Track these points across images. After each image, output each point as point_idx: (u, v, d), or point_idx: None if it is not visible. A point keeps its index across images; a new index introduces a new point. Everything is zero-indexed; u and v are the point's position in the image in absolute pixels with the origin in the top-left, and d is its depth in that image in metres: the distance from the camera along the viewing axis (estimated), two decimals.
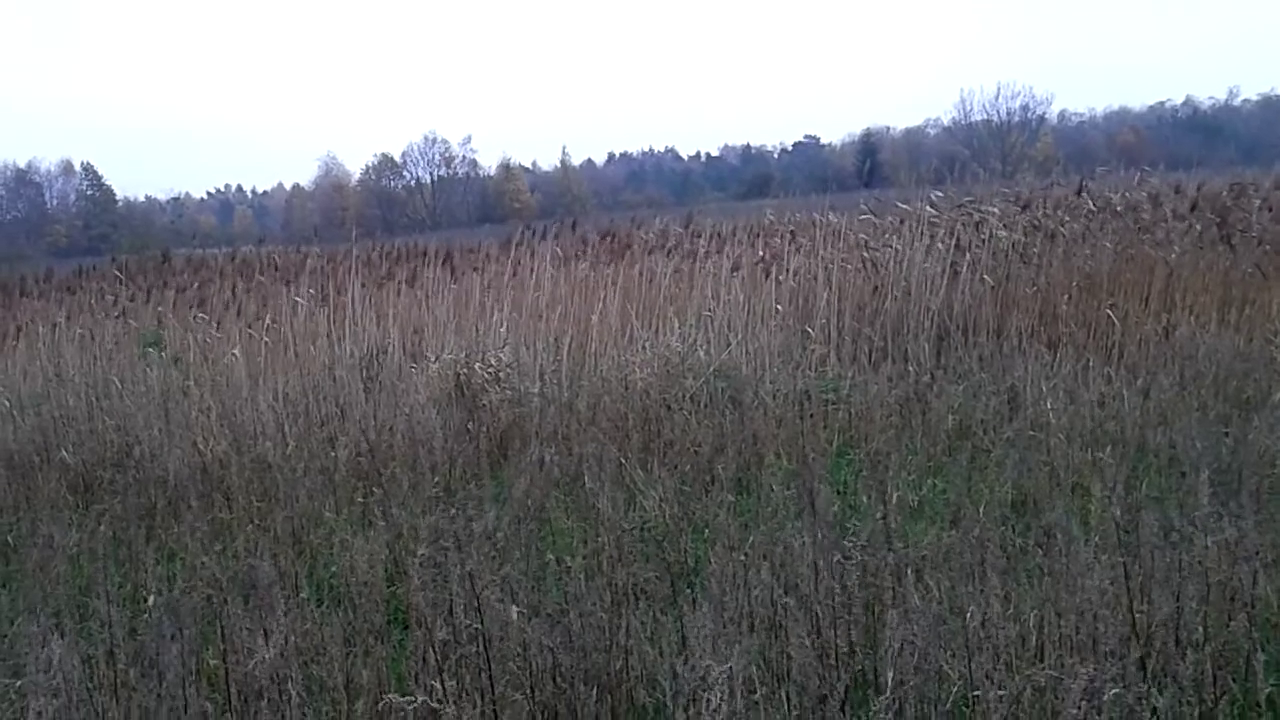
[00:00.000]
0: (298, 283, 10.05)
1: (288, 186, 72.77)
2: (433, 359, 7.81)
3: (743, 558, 3.94)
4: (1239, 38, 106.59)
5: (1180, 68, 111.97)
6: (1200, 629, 3.16)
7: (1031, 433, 5.79)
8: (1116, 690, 2.61)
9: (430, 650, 2.79)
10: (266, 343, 8.84)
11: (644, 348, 8.26)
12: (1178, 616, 3.20)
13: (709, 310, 9.09)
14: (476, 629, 2.76)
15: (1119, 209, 9.41)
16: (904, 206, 9.99)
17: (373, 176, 63.24)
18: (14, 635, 3.81)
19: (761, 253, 9.85)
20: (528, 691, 2.78)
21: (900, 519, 4.69)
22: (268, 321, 9.14)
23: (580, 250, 10.35)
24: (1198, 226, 8.90)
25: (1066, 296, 8.32)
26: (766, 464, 5.96)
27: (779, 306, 9.30)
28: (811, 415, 6.88)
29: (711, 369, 7.88)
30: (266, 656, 2.63)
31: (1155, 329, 7.88)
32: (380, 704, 2.73)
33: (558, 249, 9.95)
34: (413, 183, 62.81)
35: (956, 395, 6.92)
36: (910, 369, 7.86)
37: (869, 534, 4.06)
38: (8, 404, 7.82)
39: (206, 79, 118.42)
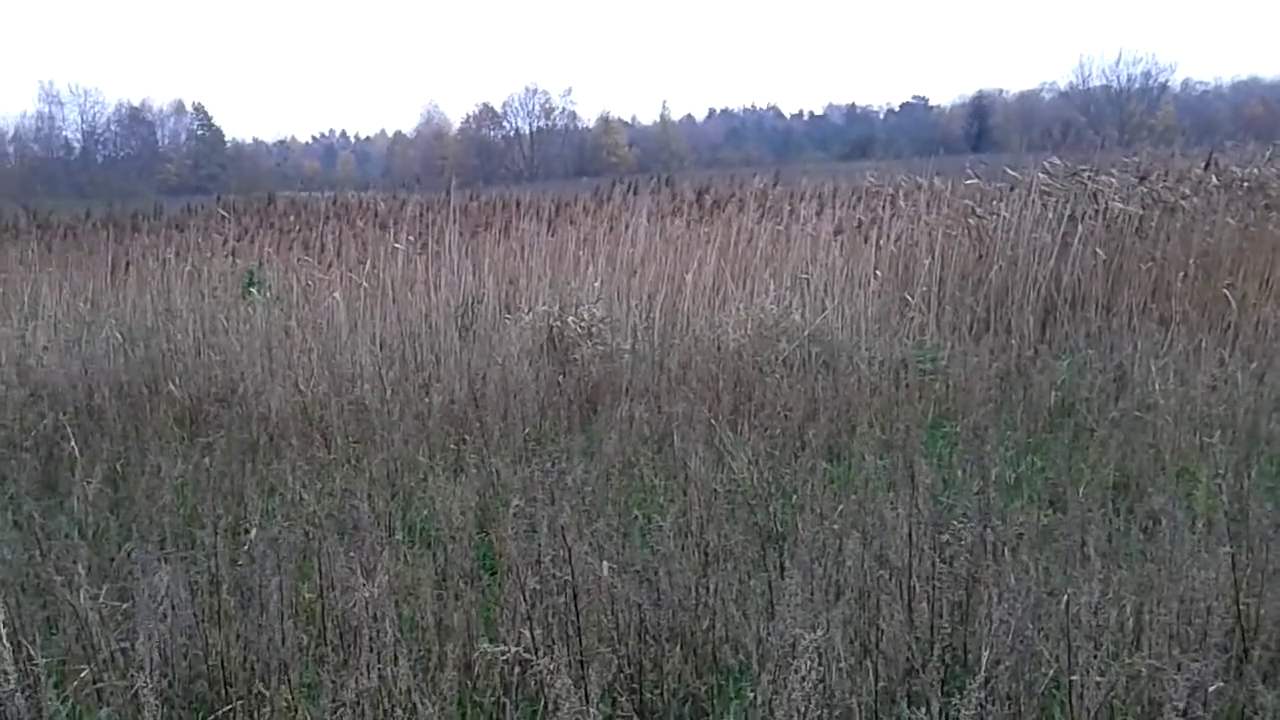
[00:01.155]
0: (397, 229, 10.18)
1: (390, 134, 73.90)
2: (526, 311, 7.86)
3: (834, 526, 3.90)
4: None
5: None
6: None
7: (1138, 413, 5.59)
8: (1220, 684, 2.52)
9: (521, 598, 2.83)
10: (365, 288, 9.00)
11: (738, 308, 8.19)
12: None
13: (805, 273, 8.96)
14: (566, 580, 2.78)
15: (1246, 184, 8.98)
16: (1013, 173, 9.67)
17: (473, 126, 63.74)
18: (123, 560, 3.98)
19: (859, 216, 9.66)
20: (614, 645, 2.80)
21: (997, 496, 4.58)
22: (368, 267, 9.29)
23: (676, 207, 10.28)
24: None
25: (1182, 274, 7.99)
26: (859, 432, 5.87)
27: (878, 272, 9.12)
28: (907, 385, 6.75)
29: (806, 333, 7.79)
30: (366, 595, 2.69)
31: (1275, 312, 7.53)
32: (474, 653, 2.78)
33: (652, 204, 9.90)
34: (512, 133, 63.19)
35: (1061, 371, 6.73)
36: (1013, 342, 7.66)
37: (964, 509, 3.99)
38: (120, 337, 8.12)
39: (314, 24, 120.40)
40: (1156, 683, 2.66)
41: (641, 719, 2.74)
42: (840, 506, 4.33)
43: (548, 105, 62.59)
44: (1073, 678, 2.53)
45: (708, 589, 3.17)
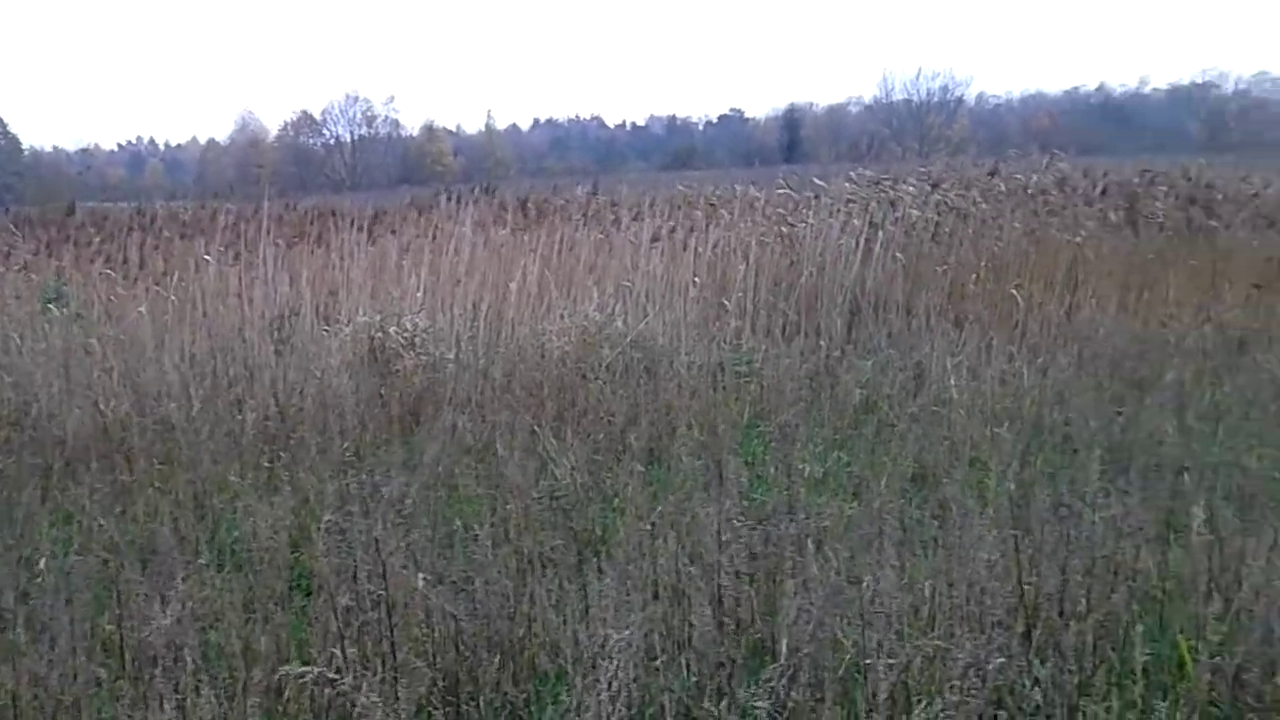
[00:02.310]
0: (207, 240, 9.77)
1: (202, 141, 70.60)
2: (346, 322, 7.69)
3: (649, 527, 3.99)
4: (1151, 27, 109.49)
5: (1094, 55, 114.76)
6: (1084, 601, 3.29)
7: (935, 408, 5.94)
8: (1001, 660, 2.72)
9: (332, 617, 2.78)
10: (174, 301, 8.60)
11: (562, 316, 8.25)
12: (1063, 589, 3.33)
13: (627, 280, 9.10)
14: (380, 595, 2.76)
15: (1030, 192, 9.65)
16: (820, 183, 10.10)
17: (291, 133, 61.61)
18: None
19: (673, 225, 9.89)
20: (430, 659, 2.79)
21: (805, 490, 4.78)
22: (175, 279, 8.88)
23: (500, 216, 10.26)
24: (1109, 214, 9.19)
25: (975, 276, 8.53)
26: (678, 435, 6.02)
27: (696, 279, 9.35)
28: (724, 387, 6.96)
29: (628, 339, 7.91)
30: (163, 623, 2.59)
31: (1058, 310, 8.13)
32: (277, 674, 2.71)
33: (476, 213, 9.85)
34: (332, 141, 61.42)
35: (865, 370, 7.06)
36: (822, 343, 7.98)
37: (774, 505, 4.16)
38: None
39: (118, 27, 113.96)
40: (944, 661, 2.83)
41: None
42: (659, 508, 4.43)
43: (369, 113, 61.17)
44: (867, 661, 2.69)
45: (525, 596, 3.19)
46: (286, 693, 2.92)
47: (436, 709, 2.75)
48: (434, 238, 9.27)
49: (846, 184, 9.90)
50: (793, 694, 2.64)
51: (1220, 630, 3.00)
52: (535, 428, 5.85)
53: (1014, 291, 8.21)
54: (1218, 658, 2.88)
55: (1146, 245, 8.89)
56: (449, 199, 10.58)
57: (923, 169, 10.69)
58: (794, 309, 8.94)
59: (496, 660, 2.96)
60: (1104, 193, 9.70)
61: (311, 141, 61.65)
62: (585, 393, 6.72)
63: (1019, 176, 10.01)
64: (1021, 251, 8.68)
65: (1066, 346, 7.14)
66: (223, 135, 72.34)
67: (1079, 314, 8.01)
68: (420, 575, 3.08)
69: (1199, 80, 59.30)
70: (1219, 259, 8.79)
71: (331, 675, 2.39)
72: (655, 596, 3.47)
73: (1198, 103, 56.98)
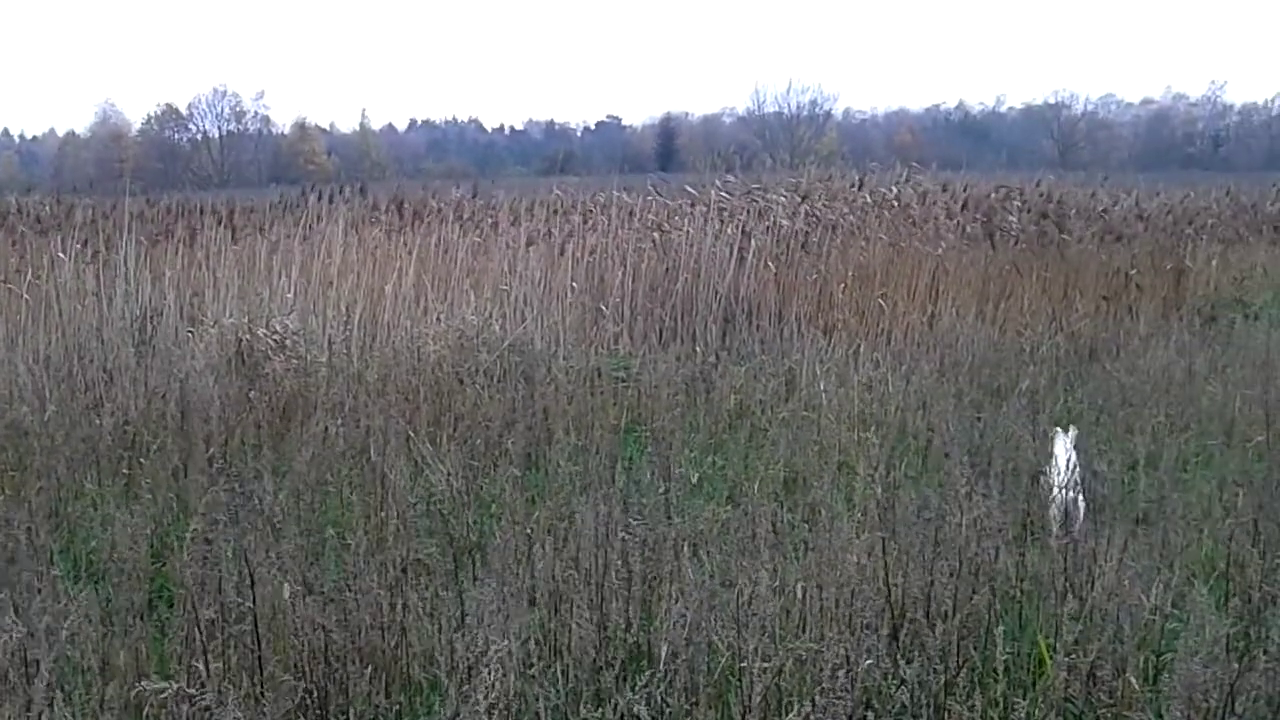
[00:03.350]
0: (64, 236, 9.30)
1: (60, 133, 67.09)
2: (212, 324, 7.44)
3: (527, 532, 3.98)
4: (1007, 49, 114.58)
5: (954, 74, 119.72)
6: (949, 601, 3.41)
7: (805, 413, 6.09)
8: (869, 662, 2.81)
9: (195, 630, 2.69)
10: (27, 300, 8.17)
11: (438, 320, 8.16)
12: (929, 590, 3.45)
13: (505, 285, 9.05)
14: (247, 607, 2.68)
15: (894, 204, 9.99)
16: (691, 190, 10.25)
17: (155, 127, 59.04)
18: None
19: (550, 229, 9.90)
20: (298, 672, 2.72)
21: (682, 495, 4.84)
22: (29, 277, 8.44)
23: (373, 217, 10.07)
24: (967, 226, 9.59)
25: (843, 285, 8.78)
26: (556, 440, 6.01)
27: (574, 284, 9.36)
28: (602, 392, 6.99)
29: (506, 344, 7.87)
30: (14, 636, 2.46)
31: (921, 319, 8.43)
32: (135, 690, 2.60)
33: (349, 214, 9.66)
34: (199, 136, 59.18)
35: (739, 376, 7.19)
36: (697, 349, 8.11)
37: (650, 509, 4.20)
38: None
39: None
40: (816, 663, 2.90)
41: None
42: (536, 513, 4.42)
43: (238, 108, 59.13)
44: (742, 664, 2.74)
45: (399, 605, 3.15)
46: (145, 709, 2.81)
47: None
48: (304, 238, 9.03)
49: (714, 192, 10.03)
50: (669, 699, 2.67)
51: (1075, 629, 3.16)
52: (410, 432, 5.76)
53: (880, 301, 8.48)
54: (1073, 656, 3.03)
55: (1002, 257, 9.30)
56: (320, 198, 10.34)
57: (792, 179, 10.94)
58: (670, 315, 9.04)
59: (368, 672, 2.91)
60: (963, 207, 10.12)
61: (177, 136, 59.32)
62: (462, 397, 6.66)
63: (882, 190, 10.35)
64: (886, 262, 8.98)
65: (929, 354, 7.42)
66: (82, 127, 68.91)
67: (940, 323, 8.33)
68: (288, 586, 3.00)
69: (1051, 100, 62.33)
70: (1070, 271, 9.26)
71: (192, 691, 2.31)
72: (532, 603, 3.47)
73: (1050, 122, 59.88)
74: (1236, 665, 2.70)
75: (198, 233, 9.26)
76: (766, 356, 7.79)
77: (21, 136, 75.05)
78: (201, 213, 10.49)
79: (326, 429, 5.85)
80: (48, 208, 11.21)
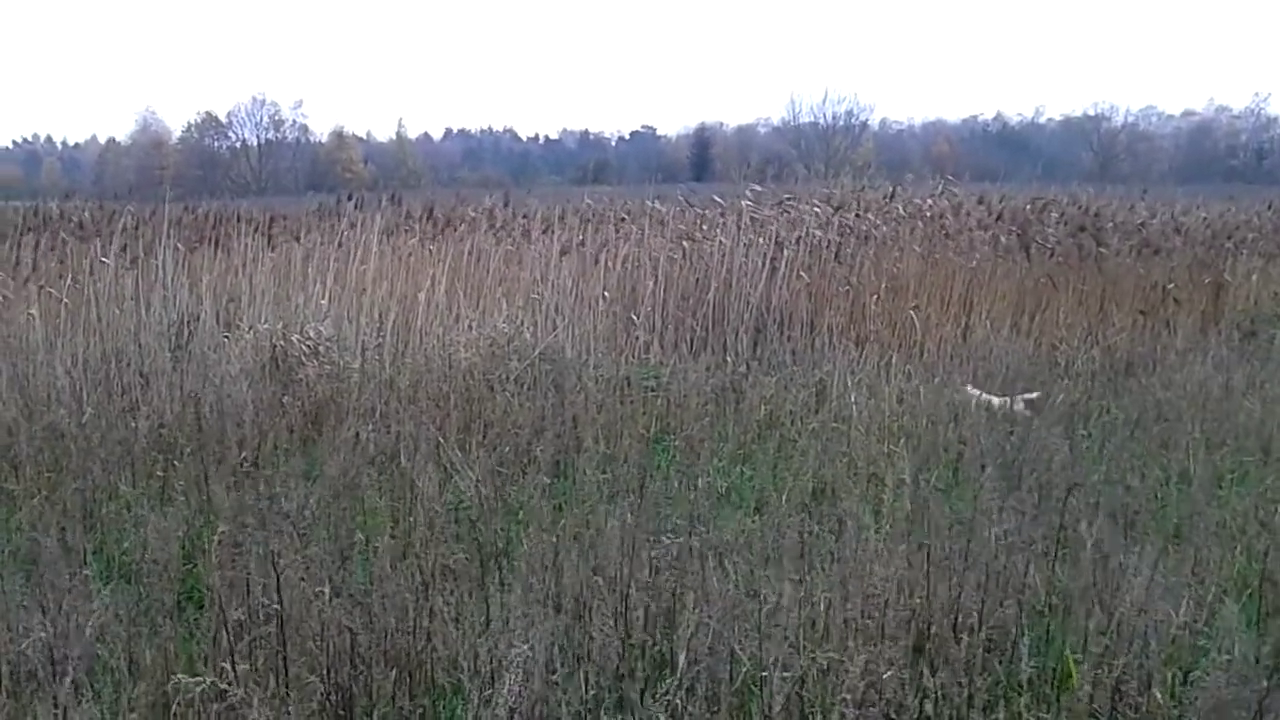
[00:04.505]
0: (104, 242, 9.46)
1: (102, 140, 68.23)
2: (248, 329, 7.52)
3: (554, 540, 3.99)
4: (1046, 60, 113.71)
5: (992, 85, 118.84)
6: (975, 614, 3.38)
7: (835, 424, 6.06)
8: (892, 671, 2.79)
9: (223, 630, 2.72)
10: (66, 304, 8.30)
11: (470, 327, 8.20)
12: (956, 602, 3.43)
13: (537, 293, 9.09)
14: (275, 609, 2.71)
15: (927, 215, 9.93)
16: (720, 200, 10.25)
17: (195, 135, 59.92)
18: None
19: (583, 238, 9.93)
20: (323, 673, 2.74)
21: (710, 504, 4.83)
22: (69, 282, 8.58)
23: (407, 225, 10.15)
24: (1002, 238, 9.51)
25: (875, 297, 8.73)
26: (585, 448, 6.02)
27: (606, 293, 9.38)
28: (632, 401, 6.99)
29: (537, 352, 7.90)
30: (42, 635, 2.50)
31: (954, 331, 8.37)
32: (164, 686, 2.64)
33: (384, 222, 9.75)
34: (238, 144, 59.99)
35: (769, 386, 7.17)
36: (728, 359, 8.09)
37: (676, 519, 4.20)
38: None
39: (13, 19, 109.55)
40: (838, 674, 2.89)
41: None
42: (563, 520, 4.43)
43: (277, 117, 59.89)
44: (764, 673, 2.73)
45: (425, 610, 3.17)
46: (173, 707, 2.84)
47: None
48: (339, 245, 9.12)
49: (745, 202, 10.02)
50: (690, 706, 2.67)
51: (1102, 643, 3.12)
52: (440, 439, 5.79)
53: (912, 312, 8.43)
54: (1099, 670, 3.00)
55: (1038, 269, 9.22)
56: (355, 206, 10.43)
57: (825, 190, 10.91)
58: (701, 324, 9.04)
59: (393, 675, 2.93)
60: (998, 218, 10.04)
61: (216, 144, 60.15)
62: (492, 405, 6.69)
63: (916, 201, 10.29)
64: (919, 273, 8.92)
65: (962, 367, 7.36)
66: (123, 135, 70.06)
67: (974, 335, 8.26)
68: (316, 588, 3.03)
69: (1090, 112, 61.76)
70: (1107, 284, 9.16)
71: (223, 687, 2.34)
72: (558, 610, 3.48)
73: (1089, 134, 59.31)
74: (1266, 683, 2.66)
75: (234, 239, 9.35)
76: (797, 367, 7.76)
77: (64, 143, 76.42)
78: (239, 220, 10.62)
79: (358, 434, 5.90)
80: (88, 213, 11.39)
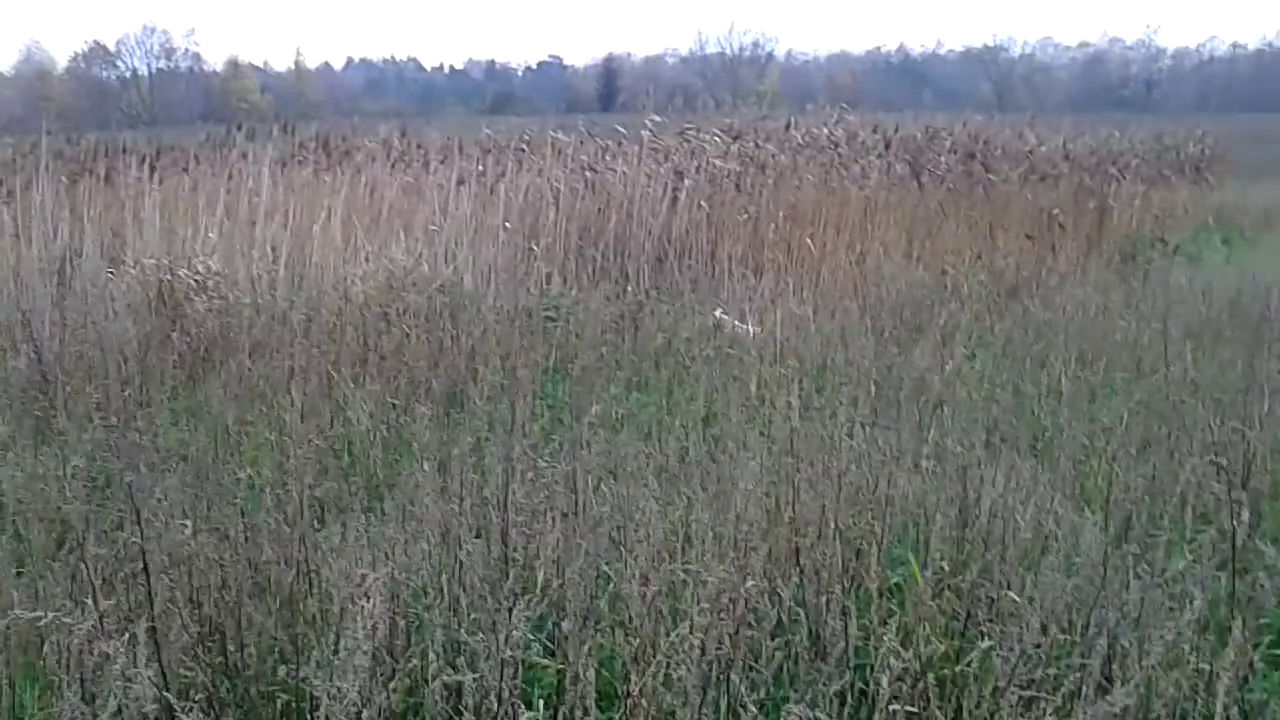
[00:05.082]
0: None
1: None
2: (133, 264, 7.31)
3: (436, 467, 4.01)
4: None
5: (895, 17, 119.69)
6: (833, 524, 3.47)
7: (729, 350, 6.16)
8: (753, 582, 2.89)
9: (83, 567, 2.71)
10: None
11: (367, 260, 8.09)
12: (821, 514, 3.54)
13: (436, 225, 8.98)
14: (139, 545, 2.69)
15: (824, 144, 10.03)
16: (622, 130, 10.20)
17: (82, 65, 57.30)
18: None
19: (483, 169, 9.81)
20: (193, 608, 2.75)
21: (603, 432, 4.87)
22: None
23: (302, 156, 9.90)
24: (896, 166, 9.66)
25: (773, 225, 8.83)
26: (480, 379, 6.02)
27: (507, 224, 9.31)
28: (531, 332, 6.99)
29: (436, 284, 7.83)
30: None
31: (849, 258, 8.52)
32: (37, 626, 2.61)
33: (276, 153, 9.50)
34: (128, 75, 57.45)
35: (667, 315, 7.23)
36: (628, 289, 8.13)
37: (566, 446, 4.25)
38: None
39: None
40: (702, 585, 2.96)
41: (226, 677, 2.73)
42: (454, 451, 4.45)
43: (168, 45, 57.46)
44: (624, 586, 2.82)
45: (300, 540, 3.17)
46: (44, 648, 2.83)
47: (203, 656, 2.72)
48: (230, 177, 8.87)
49: (644, 132, 9.99)
50: (557, 621, 2.75)
51: (960, 551, 3.27)
52: (333, 372, 5.75)
53: (808, 240, 8.55)
54: (958, 576, 3.14)
55: (930, 196, 9.40)
56: (247, 136, 10.14)
57: (725, 120, 10.92)
58: (602, 255, 9.05)
59: (267, 606, 2.95)
60: (887, 146, 10.17)
61: (105, 74, 57.57)
62: (389, 337, 6.63)
63: (815, 131, 10.37)
64: (816, 202, 9.03)
65: (855, 292, 7.51)
66: (6, 66, 66.55)
67: (866, 262, 8.42)
68: (187, 524, 3.01)
69: (990, 44, 62.66)
70: (995, 211, 9.39)
71: (69, 621, 2.33)
72: (443, 538, 3.51)
73: (988, 65, 60.20)
74: (1101, 581, 2.83)
75: (118, 172, 9.03)
76: (696, 296, 7.84)
77: None
78: (124, 151, 10.24)
79: (248, 369, 5.82)
80: None
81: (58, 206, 8.51)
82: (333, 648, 2.49)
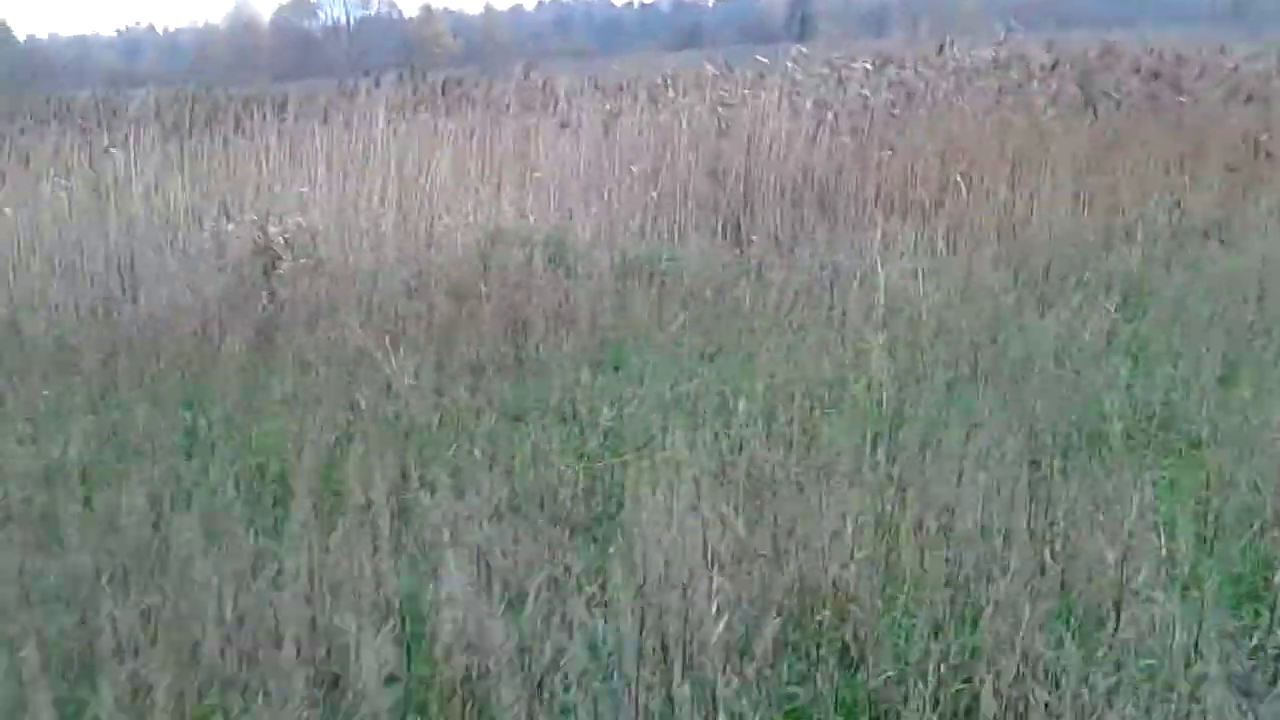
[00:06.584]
0: (113, 134, 9.11)
1: (200, 25, 68.82)
2: (228, 222, 7.15)
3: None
4: None
5: None
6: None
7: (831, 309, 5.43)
8: None
9: None
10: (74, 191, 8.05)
11: (474, 210, 7.76)
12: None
13: (551, 171, 8.51)
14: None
15: (981, 69, 8.87)
16: (764, 60, 9.38)
17: (287, 16, 59.87)
18: None
19: (613, 108, 9.23)
20: None
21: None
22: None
23: (421, 100, 9.57)
24: (1064, 90, 8.41)
25: (922, 162, 7.86)
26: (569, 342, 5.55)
27: (633, 168, 8.73)
28: (642, 285, 6.45)
29: (544, 235, 7.40)
30: None
31: (1009, 197, 7.45)
32: None
33: (395, 98, 9.22)
34: (329, 24, 59.55)
35: (801, 263, 6.54)
36: (753, 238, 7.48)
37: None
38: None
39: None
40: None
41: None
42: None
43: None
44: None
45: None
46: None
47: None
48: (346, 125, 8.62)
49: (789, 63, 9.13)
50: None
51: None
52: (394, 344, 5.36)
53: (958, 179, 7.54)
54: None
55: (1106, 124, 8.13)
56: (375, 84, 9.92)
57: (874, 47, 9.88)
58: (730, 198, 8.35)
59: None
60: (1053, 67, 8.84)
61: (308, 24, 60.02)
62: (491, 293, 6.22)
63: (973, 53, 9.18)
64: (971, 134, 7.97)
65: (999, 237, 6.54)
66: (219, 19, 70.65)
67: (1024, 200, 7.35)
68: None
69: None
70: (1188, 139, 8.02)
71: None
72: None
73: None
74: None
75: (242, 123, 8.95)
76: (829, 246, 7.06)
77: (166, 30, 77.07)
78: (259, 105, 10.19)
79: (340, 331, 5.54)
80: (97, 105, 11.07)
81: (171, 162, 8.45)
82: None
